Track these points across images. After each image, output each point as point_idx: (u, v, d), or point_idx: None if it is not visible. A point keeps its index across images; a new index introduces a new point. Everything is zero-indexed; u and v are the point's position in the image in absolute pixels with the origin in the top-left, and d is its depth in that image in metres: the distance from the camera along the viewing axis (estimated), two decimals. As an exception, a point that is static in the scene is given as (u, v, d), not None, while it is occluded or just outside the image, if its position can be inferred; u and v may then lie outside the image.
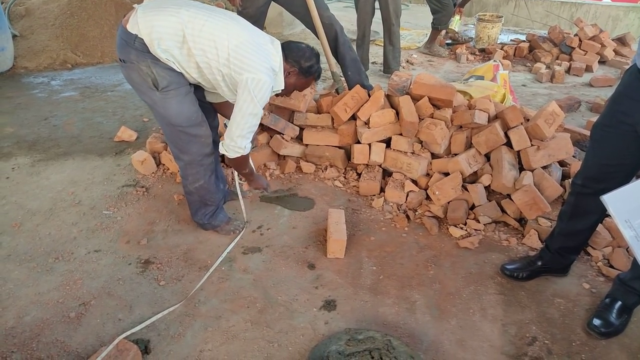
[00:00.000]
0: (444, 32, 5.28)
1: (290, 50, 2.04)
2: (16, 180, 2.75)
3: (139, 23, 1.81)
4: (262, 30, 3.04)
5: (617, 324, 1.77)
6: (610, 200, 1.38)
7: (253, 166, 2.29)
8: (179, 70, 1.90)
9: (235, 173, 2.37)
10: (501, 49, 5.01)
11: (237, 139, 1.94)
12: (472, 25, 6.06)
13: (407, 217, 2.46)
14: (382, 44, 4.43)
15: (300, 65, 2.04)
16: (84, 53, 4.79)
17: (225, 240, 2.26)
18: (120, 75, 4.43)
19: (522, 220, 2.38)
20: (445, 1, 4.79)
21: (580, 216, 1.88)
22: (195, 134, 2.02)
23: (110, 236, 2.29)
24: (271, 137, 2.88)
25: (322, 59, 4.38)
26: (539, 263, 2.04)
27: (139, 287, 1.99)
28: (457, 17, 5.19)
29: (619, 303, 1.80)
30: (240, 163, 2.09)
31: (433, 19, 4.96)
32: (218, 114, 2.41)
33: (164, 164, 2.85)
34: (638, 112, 1.53)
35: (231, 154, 1.99)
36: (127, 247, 2.22)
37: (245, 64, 1.84)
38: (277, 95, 2.13)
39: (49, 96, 3.97)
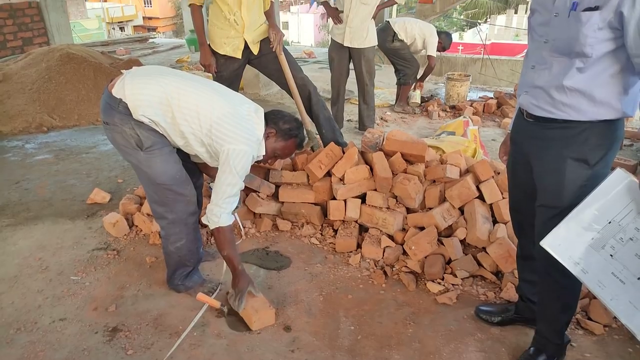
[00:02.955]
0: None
1: (271, 114, 2.13)
2: (-19, 247, 2.65)
3: (125, 88, 1.88)
4: (237, 91, 3.14)
5: None
6: (548, 242, 1.49)
7: (239, 259, 2.10)
8: (161, 132, 1.96)
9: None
10: (471, 105, 5.20)
11: (213, 207, 1.97)
12: (442, 84, 6.31)
13: (385, 273, 2.43)
14: (357, 103, 4.57)
15: (278, 126, 2.10)
16: (60, 116, 4.79)
17: (199, 304, 2.17)
18: (96, 137, 4.44)
19: (498, 274, 2.37)
20: (409, 58, 5.02)
21: (521, 258, 1.98)
22: (181, 192, 2.05)
23: (77, 303, 2.19)
24: (247, 195, 2.87)
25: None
26: (513, 312, 2.06)
27: (105, 357, 1.88)
28: (418, 91, 5.32)
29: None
30: (217, 237, 2.02)
31: (400, 77, 5.15)
32: (203, 174, 2.45)
33: (137, 226, 2.79)
34: (525, 144, 1.70)
35: (210, 224, 2.00)
36: (95, 314, 2.12)
37: (227, 136, 1.91)
38: (257, 162, 2.16)
39: (22, 159, 3.93)
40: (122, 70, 2.01)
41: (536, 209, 1.69)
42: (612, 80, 1.45)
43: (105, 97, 1.94)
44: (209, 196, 2.81)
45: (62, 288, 2.30)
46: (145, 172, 1.99)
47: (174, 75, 1.99)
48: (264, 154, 2.10)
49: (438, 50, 5.16)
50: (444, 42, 5.16)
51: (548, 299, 1.77)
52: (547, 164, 1.61)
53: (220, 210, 1.96)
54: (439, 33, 5.11)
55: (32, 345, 1.94)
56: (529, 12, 1.69)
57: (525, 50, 1.70)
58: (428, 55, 5.04)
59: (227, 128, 1.91)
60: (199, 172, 2.38)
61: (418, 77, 5.31)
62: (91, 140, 4.38)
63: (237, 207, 2.38)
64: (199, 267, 2.33)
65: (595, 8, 1.36)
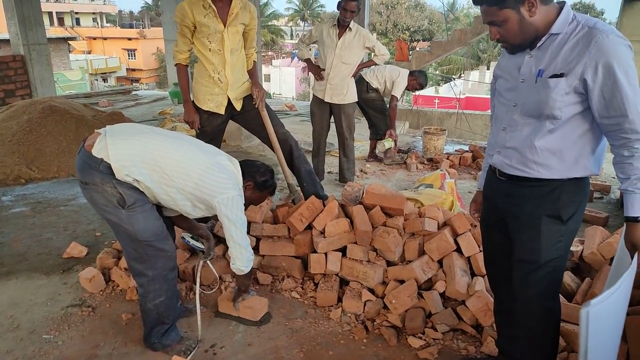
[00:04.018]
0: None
1: (246, 166, 2.22)
2: (-51, 304, 2.56)
3: (108, 149, 1.89)
4: (220, 144, 3.21)
5: None
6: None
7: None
8: (142, 190, 1.98)
9: (197, 286, 2.35)
10: (447, 158, 5.36)
11: (247, 247, 2.11)
12: (420, 137, 6.51)
13: (366, 327, 2.41)
14: (337, 155, 4.67)
15: (255, 179, 2.22)
16: (39, 168, 4.76)
17: (175, 363, 2.12)
18: (75, 189, 4.40)
19: (479, 327, 2.38)
20: (381, 109, 5.20)
21: (498, 312, 1.99)
22: (162, 248, 2.06)
23: (48, 364, 2.11)
24: (227, 248, 2.86)
25: (279, 172, 4.52)
26: None
27: (75, 422, 1.80)
28: (389, 140, 5.32)
29: None
30: (250, 272, 2.25)
31: (378, 129, 5.30)
32: (174, 228, 2.45)
33: (113, 281, 2.74)
34: (500, 201, 1.76)
35: (248, 265, 2.13)
36: (66, 375, 2.05)
37: (216, 187, 1.99)
38: None
39: (-3, 212, 3.86)
40: (97, 130, 2.01)
41: (513, 264, 1.73)
42: (580, 140, 1.55)
43: (84, 157, 1.93)
44: (185, 249, 2.82)
45: (33, 348, 2.21)
46: (126, 230, 1.98)
47: (152, 133, 2.05)
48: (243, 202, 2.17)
49: (415, 88, 5.26)
50: (420, 79, 5.21)
51: (529, 353, 1.78)
52: (523, 221, 1.67)
53: (250, 250, 2.13)
54: (414, 72, 5.25)
55: (-3, 411, 1.85)
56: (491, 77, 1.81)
57: (494, 111, 1.80)
58: (392, 95, 5.12)
59: (215, 179, 1.99)
60: (172, 226, 2.38)
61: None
62: (70, 193, 4.34)
63: (211, 256, 2.45)
64: (176, 323, 2.28)
65: (561, 75, 1.47)
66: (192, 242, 2.56)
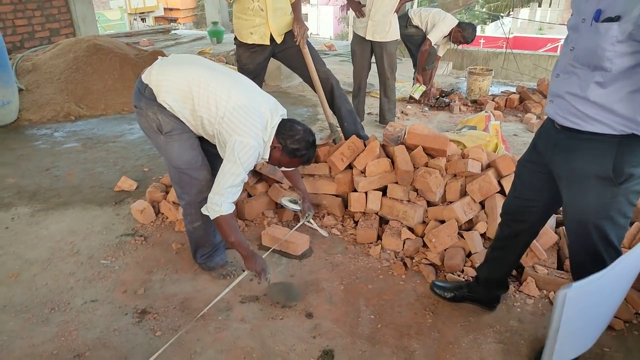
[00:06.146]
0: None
1: (284, 127, 2.07)
2: (15, 230, 2.76)
3: (152, 74, 1.99)
4: (262, 83, 3.19)
5: None
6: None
7: (247, 243, 2.13)
8: (182, 119, 2.03)
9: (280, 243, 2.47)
10: (492, 100, 5.16)
11: (213, 195, 1.97)
12: (464, 78, 6.27)
13: (405, 264, 2.46)
14: (378, 96, 4.58)
15: (285, 144, 2.06)
16: (87, 105, 4.92)
17: (223, 289, 2.24)
18: (122, 127, 4.55)
19: (519, 268, 2.39)
20: (431, 50, 4.99)
21: (499, 249, 1.98)
22: (195, 176, 2.13)
23: (107, 286, 2.29)
24: (270, 186, 2.93)
25: (320, 112, 4.49)
26: (466, 290, 2.14)
27: (134, 337, 1.97)
28: (417, 85, 5.14)
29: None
30: (220, 226, 2.02)
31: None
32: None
33: (162, 213, 2.88)
34: (548, 152, 1.61)
35: (210, 213, 1.99)
36: (124, 296, 2.21)
37: (237, 127, 1.92)
38: (267, 162, 2.19)
39: (51, 147, 4.05)
40: (158, 57, 2.11)
41: (564, 221, 1.65)
42: (635, 96, 1.35)
43: (137, 82, 2.07)
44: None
45: (92, 271, 2.39)
46: (165, 155, 2.14)
47: (200, 65, 2.04)
48: (268, 159, 2.12)
49: (459, 41, 4.98)
50: (467, 33, 4.87)
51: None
52: (570, 178, 1.54)
53: (222, 200, 1.95)
54: (463, 24, 4.91)
55: (65, 325, 2.03)
56: (558, 6, 1.63)
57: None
58: (426, 37, 4.82)
59: (239, 119, 1.92)
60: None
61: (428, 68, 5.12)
62: (117, 130, 4.49)
63: (309, 216, 2.54)
64: (224, 249, 2.40)
65: (616, 18, 1.28)
66: (291, 205, 2.62)
